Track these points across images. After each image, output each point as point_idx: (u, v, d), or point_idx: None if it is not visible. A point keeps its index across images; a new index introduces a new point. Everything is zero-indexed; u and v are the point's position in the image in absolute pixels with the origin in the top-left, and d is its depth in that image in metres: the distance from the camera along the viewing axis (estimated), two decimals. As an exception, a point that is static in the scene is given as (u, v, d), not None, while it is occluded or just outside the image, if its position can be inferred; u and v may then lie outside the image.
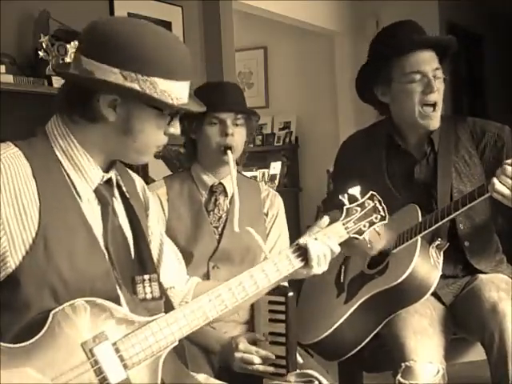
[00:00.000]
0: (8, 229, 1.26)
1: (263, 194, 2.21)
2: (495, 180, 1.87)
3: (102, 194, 1.40)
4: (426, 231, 2.03)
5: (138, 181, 1.59)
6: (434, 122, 2.15)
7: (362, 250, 1.98)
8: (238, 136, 2.07)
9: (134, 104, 1.35)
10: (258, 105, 6.27)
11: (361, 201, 1.62)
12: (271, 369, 1.84)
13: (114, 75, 1.32)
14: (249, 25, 5.72)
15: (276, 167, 6.23)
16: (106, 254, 1.37)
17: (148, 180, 3.32)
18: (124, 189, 1.49)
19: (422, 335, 2.00)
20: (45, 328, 1.24)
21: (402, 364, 1.94)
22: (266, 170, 6.27)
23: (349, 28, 5.72)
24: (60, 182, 1.34)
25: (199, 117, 2.05)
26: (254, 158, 5.83)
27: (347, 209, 1.60)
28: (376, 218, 1.63)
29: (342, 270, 2.24)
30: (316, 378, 1.67)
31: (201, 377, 1.60)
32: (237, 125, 2.07)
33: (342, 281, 2.21)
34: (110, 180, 1.44)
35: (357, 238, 1.61)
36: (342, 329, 2.09)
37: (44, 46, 2.88)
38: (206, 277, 2.05)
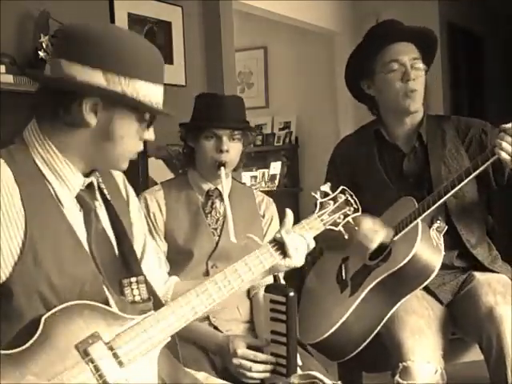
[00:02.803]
0: None
1: (258, 199, 2.27)
2: (499, 141, 1.92)
3: (84, 200, 1.40)
4: (426, 213, 2.05)
5: (118, 176, 1.58)
6: (415, 102, 2.21)
7: (364, 244, 2.01)
8: (233, 151, 2.10)
9: (115, 108, 1.35)
10: (258, 105, 6.27)
11: (332, 195, 1.71)
12: (271, 368, 1.84)
13: (97, 78, 1.31)
14: (249, 25, 5.72)
15: (276, 167, 6.23)
16: (92, 259, 1.38)
17: (148, 180, 3.33)
18: (105, 191, 1.49)
19: (420, 335, 2.00)
20: (38, 333, 1.25)
21: (400, 364, 1.95)
22: (265, 170, 6.27)
23: (349, 28, 5.71)
24: (41, 189, 1.34)
25: (196, 128, 2.08)
26: (254, 158, 5.83)
27: (320, 203, 1.69)
28: (349, 210, 1.72)
29: (343, 268, 2.24)
30: (320, 379, 1.67)
31: (201, 375, 1.60)
32: (233, 140, 2.09)
33: (344, 278, 2.22)
34: (91, 184, 1.44)
35: (333, 230, 1.68)
36: (349, 322, 2.09)
37: (44, 46, 2.88)
38: (205, 276, 2.07)
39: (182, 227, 2.11)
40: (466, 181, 1.99)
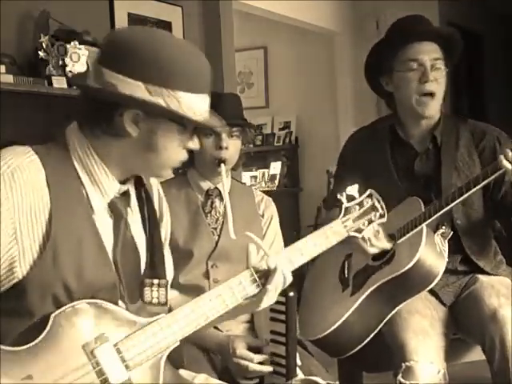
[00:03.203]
0: (20, 238, 1.25)
1: (257, 199, 2.25)
2: (507, 150, 1.88)
3: (116, 208, 1.39)
4: (432, 218, 2.03)
5: (156, 189, 1.57)
6: (430, 109, 2.17)
7: (363, 248, 1.99)
8: (232, 148, 2.09)
9: (157, 119, 1.32)
10: (258, 105, 6.27)
11: (359, 199, 1.62)
12: (270, 368, 1.84)
13: (138, 89, 1.29)
14: (249, 25, 5.72)
15: (276, 167, 6.23)
16: (113, 267, 1.36)
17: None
18: (150, 195, 1.48)
19: (423, 335, 2.00)
20: (46, 330, 1.24)
21: (403, 364, 1.94)
22: (265, 170, 6.28)
23: (349, 28, 5.72)
24: (74, 192, 1.32)
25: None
26: (253, 158, 5.83)
27: (346, 207, 1.60)
28: (375, 215, 1.63)
29: (346, 266, 2.24)
30: (320, 384, 1.67)
31: (201, 377, 1.60)
32: (232, 136, 2.09)
33: (346, 276, 2.21)
34: (126, 191, 1.42)
35: (356, 237, 1.61)
36: (349, 321, 2.08)
37: (44, 46, 2.88)
38: (206, 275, 2.07)
39: (181, 227, 2.11)
40: (473, 190, 1.96)
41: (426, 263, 2.01)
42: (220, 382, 1.65)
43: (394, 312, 2.06)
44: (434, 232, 2.08)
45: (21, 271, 1.26)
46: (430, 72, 2.14)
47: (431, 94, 2.16)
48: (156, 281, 1.41)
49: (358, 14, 5.69)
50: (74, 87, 2.82)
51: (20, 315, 1.26)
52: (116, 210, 1.39)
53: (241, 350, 1.89)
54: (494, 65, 6.19)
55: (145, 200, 1.48)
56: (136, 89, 1.29)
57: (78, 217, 1.31)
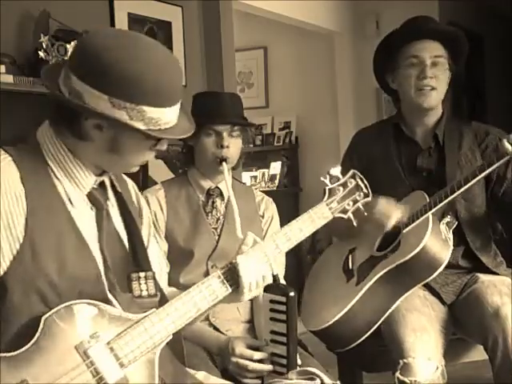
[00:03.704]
0: None
1: (258, 199, 2.26)
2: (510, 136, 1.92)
3: (96, 199, 1.40)
4: (438, 206, 2.05)
5: (131, 185, 1.60)
6: (429, 100, 2.21)
7: (379, 223, 2.02)
8: (233, 147, 2.09)
9: (120, 128, 1.34)
10: (258, 105, 6.27)
11: (343, 180, 1.62)
12: (270, 367, 1.84)
13: (102, 102, 1.30)
14: (249, 25, 5.71)
15: (276, 167, 6.23)
16: (101, 258, 1.38)
17: (148, 180, 3.32)
18: (118, 189, 1.50)
19: (421, 332, 2.00)
20: (37, 334, 1.24)
21: (400, 361, 1.95)
22: (265, 170, 6.27)
23: (349, 28, 5.71)
24: (49, 188, 1.34)
25: (196, 126, 2.07)
26: (254, 158, 5.83)
27: (330, 189, 1.60)
28: (359, 195, 1.63)
29: (350, 258, 2.24)
30: (317, 375, 1.67)
31: (200, 375, 1.60)
32: (232, 136, 2.09)
33: (350, 267, 2.22)
34: (103, 183, 1.44)
35: (342, 217, 1.61)
36: (353, 311, 2.08)
37: (44, 45, 2.87)
38: (206, 276, 2.06)
39: (182, 227, 2.11)
40: (479, 177, 1.99)
41: (432, 250, 2.02)
42: (220, 379, 1.65)
43: (398, 302, 2.07)
44: (440, 221, 2.09)
45: (2, 269, 1.26)
46: (430, 69, 2.19)
47: (431, 88, 2.20)
48: (142, 273, 1.42)
49: (357, 14, 5.68)
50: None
51: (6, 317, 1.26)
52: (96, 202, 1.41)
53: (240, 348, 1.89)
54: (494, 65, 6.19)
55: (116, 193, 1.49)
56: (100, 100, 1.30)
57: (55, 212, 1.33)
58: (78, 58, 1.35)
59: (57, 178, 1.36)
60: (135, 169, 1.46)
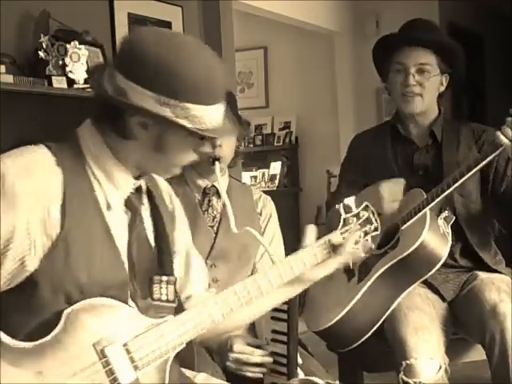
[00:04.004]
0: (32, 233, 1.25)
1: (255, 196, 2.25)
2: (504, 126, 1.96)
3: (132, 203, 1.40)
4: (435, 201, 2.06)
5: (165, 187, 1.59)
6: (413, 106, 2.25)
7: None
8: (226, 146, 2.08)
9: (164, 126, 1.33)
10: (258, 105, 6.27)
11: (356, 211, 1.65)
12: (271, 359, 1.85)
13: (147, 98, 1.30)
14: (249, 25, 5.71)
15: (276, 167, 6.23)
16: (127, 264, 1.37)
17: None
18: (153, 194, 1.50)
19: (423, 331, 2.01)
20: (58, 327, 1.25)
21: (403, 362, 1.95)
22: (265, 170, 6.27)
23: (349, 28, 5.72)
24: (87, 189, 1.34)
25: None
26: (254, 158, 5.83)
27: (344, 219, 1.63)
28: (369, 228, 1.66)
29: None
30: (320, 385, 1.68)
31: (201, 376, 1.60)
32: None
33: (350, 267, 2.21)
34: (139, 187, 1.44)
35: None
36: (355, 310, 2.09)
37: (44, 45, 2.87)
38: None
39: None
40: (474, 170, 1.99)
41: (430, 245, 2.03)
42: (220, 381, 1.65)
43: (399, 299, 2.07)
44: (437, 216, 2.10)
45: (32, 266, 1.26)
46: (413, 77, 2.22)
47: (415, 94, 2.23)
48: (165, 278, 1.42)
49: (357, 14, 5.69)
50: (80, 86, 2.85)
51: (32, 311, 1.27)
52: (131, 206, 1.40)
53: (239, 345, 1.89)
54: (494, 65, 6.19)
55: (150, 197, 1.49)
56: (145, 97, 1.30)
57: (89, 214, 1.33)
58: (123, 55, 1.34)
59: (96, 179, 1.35)
60: (178, 171, 1.45)
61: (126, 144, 1.36)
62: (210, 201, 2.15)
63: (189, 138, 1.37)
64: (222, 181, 2.05)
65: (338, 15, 5.60)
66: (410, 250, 2.02)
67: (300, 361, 1.85)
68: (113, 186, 1.37)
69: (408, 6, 4.89)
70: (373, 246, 1.68)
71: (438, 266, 2.04)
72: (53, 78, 2.87)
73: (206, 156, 2.08)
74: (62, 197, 1.29)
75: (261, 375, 1.84)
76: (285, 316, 1.78)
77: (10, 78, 2.74)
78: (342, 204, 1.65)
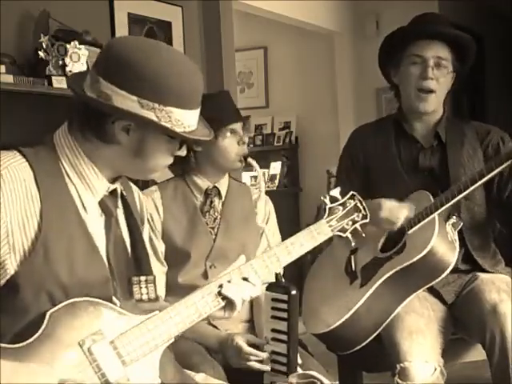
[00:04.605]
0: (11, 236, 1.27)
1: (254, 196, 2.26)
2: None
3: (107, 206, 1.42)
4: (444, 207, 2.04)
5: (137, 193, 1.62)
6: (427, 105, 2.21)
7: (386, 223, 2.05)
8: (246, 142, 2.13)
9: (147, 130, 1.37)
10: (258, 105, 6.27)
11: (342, 200, 1.67)
12: (267, 367, 1.85)
13: (131, 103, 1.33)
14: (249, 25, 5.71)
15: (276, 167, 6.23)
16: (107, 264, 1.39)
17: (148, 181, 3.32)
18: (127, 198, 1.52)
19: (417, 335, 2.00)
20: (42, 327, 1.26)
21: (397, 365, 1.95)
22: (266, 170, 6.27)
23: (349, 28, 5.72)
24: (63, 192, 1.36)
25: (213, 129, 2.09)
26: (253, 158, 5.82)
27: (329, 208, 1.65)
28: (358, 216, 1.68)
29: (352, 260, 2.23)
30: (318, 378, 1.68)
31: (200, 376, 1.61)
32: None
33: (353, 269, 2.20)
34: (114, 190, 1.45)
35: (340, 236, 1.66)
36: (358, 314, 2.08)
37: (44, 45, 2.87)
38: (204, 276, 2.07)
39: (179, 227, 2.11)
40: (478, 183, 1.98)
41: (438, 252, 2.01)
42: (219, 381, 1.65)
43: (403, 304, 2.06)
44: (445, 222, 2.08)
45: (13, 268, 1.28)
46: (432, 70, 2.17)
47: (430, 91, 2.19)
48: (143, 277, 1.44)
49: (357, 14, 5.69)
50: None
51: (15, 313, 1.28)
52: (106, 209, 1.42)
53: (240, 341, 1.90)
54: (494, 65, 6.19)
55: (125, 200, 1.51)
56: (129, 102, 1.33)
57: (67, 215, 1.34)
58: (106, 61, 1.37)
59: (71, 181, 1.37)
60: (155, 175, 1.49)
61: (105, 148, 1.38)
62: (211, 202, 2.16)
63: (169, 143, 1.40)
64: (260, 172, 2.12)
65: (338, 15, 5.60)
66: (418, 257, 2.00)
67: (300, 361, 1.85)
68: (88, 190, 1.39)
69: (408, 5, 4.88)
70: (363, 235, 1.68)
71: (445, 274, 2.02)
72: (53, 77, 2.87)
73: (236, 156, 2.10)
74: (38, 200, 1.30)
75: (268, 368, 1.85)
76: (285, 315, 1.78)
77: (10, 78, 2.75)
78: (327, 195, 1.66)
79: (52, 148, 1.38)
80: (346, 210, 1.66)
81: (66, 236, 1.33)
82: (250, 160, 2.10)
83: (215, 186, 2.17)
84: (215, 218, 2.15)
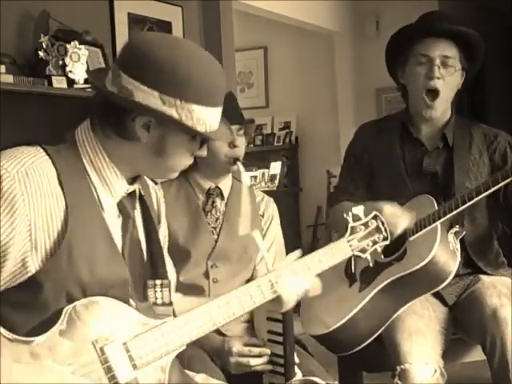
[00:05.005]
0: (33, 234, 1.26)
1: (258, 198, 2.25)
2: None
3: (125, 207, 1.40)
4: (447, 216, 2.02)
5: (154, 190, 1.60)
6: (434, 112, 2.16)
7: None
8: (241, 146, 2.11)
9: (168, 127, 1.35)
10: (258, 105, 6.27)
11: (364, 220, 1.63)
12: (269, 367, 1.85)
13: (153, 99, 1.31)
14: (249, 25, 5.72)
15: (276, 167, 6.23)
16: (125, 264, 1.38)
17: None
18: (146, 199, 1.50)
19: (418, 336, 1.99)
20: (58, 323, 1.25)
21: (398, 367, 1.94)
22: (265, 170, 6.27)
23: (349, 28, 5.72)
24: (85, 191, 1.34)
25: None
26: (254, 158, 5.83)
27: (352, 227, 1.62)
28: (379, 237, 1.64)
29: (352, 262, 2.22)
30: (319, 384, 1.68)
31: (200, 377, 1.60)
32: (240, 135, 2.11)
33: (353, 271, 2.19)
34: (133, 192, 1.44)
35: (360, 257, 1.63)
36: (356, 317, 2.07)
37: (44, 45, 2.88)
38: (206, 276, 2.07)
39: (181, 226, 2.11)
40: (483, 195, 1.97)
41: (440, 262, 2.00)
42: (219, 382, 1.65)
43: (401, 310, 2.05)
44: (447, 231, 2.06)
45: (34, 266, 1.26)
46: (439, 69, 2.13)
47: (436, 93, 2.14)
48: (159, 281, 1.43)
49: (357, 14, 5.69)
50: (82, 85, 2.85)
51: (34, 309, 1.27)
52: (124, 210, 1.40)
53: (238, 347, 1.89)
54: (495, 65, 6.18)
55: (142, 201, 1.50)
56: (150, 97, 1.31)
57: (90, 216, 1.33)
58: (129, 56, 1.35)
59: (91, 181, 1.36)
60: (174, 175, 1.46)
61: (125, 146, 1.36)
62: (213, 202, 2.16)
63: (190, 141, 1.38)
64: (245, 177, 2.08)
65: (338, 15, 5.60)
66: (419, 266, 1.98)
67: (297, 360, 1.85)
68: (107, 191, 1.37)
69: (408, 5, 4.88)
70: (382, 257, 1.65)
71: (445, 283, 2.01)
72: (53, 77, 2.88)
73: (225, 157, 2.09)
74: (63, 199, 1.29)
75: (270, 367, 1.84)
76: (280, 316, 1.78)
77: (10, 78, 2.75)
78: (350, 212, 1.62)
79: (74, 145, 1.36)
80: (368, 230, 1.63)
81: (89, 236, 1.31)
82: (238, 164, 2.08)
83: (217, 187, 2.17)
84: (217, 218, 2.15)
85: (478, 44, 2.22)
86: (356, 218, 1.62)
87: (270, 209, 2.25)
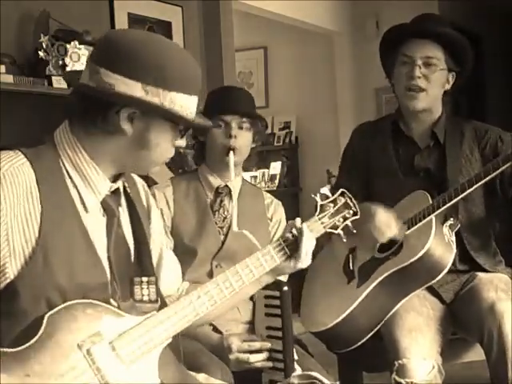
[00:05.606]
0: (11, 239, 1.26)
1: (267, 201, 2.26)
2: None
3: (109, 205, 1.41)
4: (442, 209, 2.05)
5: (141, 186, 1.60)
6: (416, 102, 2.20)
7: (372, 236, 2.07)
8: (241, 139, 2.11)
9: (151, 118, 1.36)
10: (258, 105, 6.20)
11: (332, 197, 1.70)
12: (269, 363, 1.85)
13: (136, 89, 1.33)
14: (249, 25, 5.72)
15: (276, 167, 6.23)
16: (108, 264, 1.38)
17: (148, 180, 3.32)
18: (131, 195, 1.50)
19: (416, 332, 2.01)
20: (41, 331, 1.25)
21: (396, 362, 1.95)
22: (265, 170, 6.27)
23: (348, 28, 5.71)
24: (63, 193, 1.34)
25: (208, 118, 2.08)
26: (253, 159, 5.82)
27: (321, 205, 1.68)
28: (348, 213, 1.70)
29: (350, 258, 2.24)
30: (319, 379, 1.68)
31: (201, 376, 1.61)
32: (242, 128, 2.10)
33: (351, 268, 2.21)
34: (117, 189, 1.44)
35: (333, 233, 1.68)
36: (355, 313, 2.09)
37: (44, 45, 2.88)
38: (209, 275, 2.07)
39: (188, 224, 2.11)
40: (476, 186, 2.00)
41: (435, 254, 2.02)
42: (220, 381, 1.65)
43: (399, 305, 2.07)
44: (442, 224, 2.08)
45: (12, 272, 1.27)
46: (419, 69, 2.18)
47: (419, 89, 2.18)
48: (145, 278, 1.43)
49: (357, 14, 5.68)
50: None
51: (14, 317, 1.27)
52: (109, 209, 1.41)
53: (237, 344, 1.89)
54: (494, 65, 6.19)
55: (127, 198, 1.50)
56: (133, 88, 1.33)
57: (67, 218, 1.33)
58: (107, 51, 1.36)
59: (72, 181, 1.36)
60: (156, 169, 1.47)
61: (107, 142, 1.37)
62: (221, 201, 2.15)
63: (172, 130, 1.40)
64: (232, 173, 2.07)
65: (338, 15, 5.60)
66: (415, 258, 2.01)
67: (296, 357, 1.85)
68: (89, 189, 1.37)
69: (408, 6, 4.88)
70: (354, 231, 1.70)
71: (441, 275, 2.04)
72: (53, 78, 2.88)
73: (221, 146, 2.10)
74: (39, 202, 1.29)
75: (270, 363, 1.85)
76: (278, 311, 1.78)
77: (10, 78, 2.75)
78: (318, 193, 1.69)
79: (53, 146, 1.37)
80: (337, 207, 1.68)
81: (66, 240, 1.31)
82: (230, 154, 2.08)
83: (226, 185, 2.16)
84: (224, 218, 2.14)
85: (464, 46, 2.26)
86: (324, 197, 1.68)
87: (278, 213, 2.25)
